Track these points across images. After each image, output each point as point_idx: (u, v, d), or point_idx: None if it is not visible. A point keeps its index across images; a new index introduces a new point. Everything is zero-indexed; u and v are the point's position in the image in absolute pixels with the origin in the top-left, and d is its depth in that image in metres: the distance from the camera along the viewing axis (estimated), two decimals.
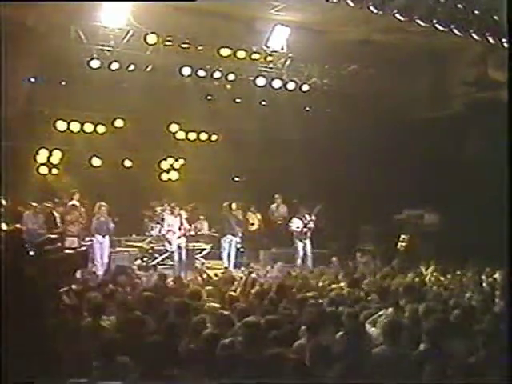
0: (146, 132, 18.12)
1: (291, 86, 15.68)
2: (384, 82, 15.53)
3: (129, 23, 13.34)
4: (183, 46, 14.18)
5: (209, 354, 6.35)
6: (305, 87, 15.90)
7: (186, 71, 14.48)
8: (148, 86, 14.98)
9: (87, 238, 14.49)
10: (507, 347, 6.49)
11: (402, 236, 16.26)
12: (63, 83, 14.83)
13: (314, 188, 17.13)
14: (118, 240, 17.14)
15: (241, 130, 18.66)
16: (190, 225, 18.17)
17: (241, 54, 14.95)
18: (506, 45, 9.86)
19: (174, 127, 18.88)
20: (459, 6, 10.13)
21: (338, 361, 6.32)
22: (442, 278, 11.89)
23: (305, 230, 16.06)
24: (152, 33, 13.60)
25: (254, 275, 12.67)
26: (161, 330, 6.90)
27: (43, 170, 18.39)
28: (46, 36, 12.25)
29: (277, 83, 15.44)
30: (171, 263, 15.99)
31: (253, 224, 19.18)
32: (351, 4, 9.72)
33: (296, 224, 16.14)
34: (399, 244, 16.19)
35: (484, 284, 10.48)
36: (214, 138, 20.24)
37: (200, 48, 14.40)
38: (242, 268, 15.40)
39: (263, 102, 17.17)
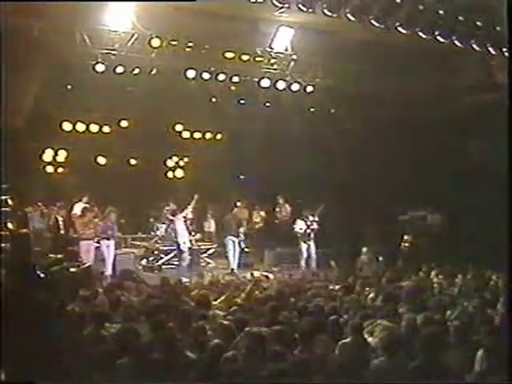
0: (151, 132, 18.33)
1: (295, 87, 15.76)
2: (389, 83, 15.56)
3: (133, 26, 13.45)
4: (187, 48, 14.28)
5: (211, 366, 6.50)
6: (309, 88, 15.97)
7: (191, 74, 14.59)
8: (153, 88, 15.12)
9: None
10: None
11: (405, 237, 16.39)
12: (69, 87, 14.98)
13: (318, 188, 17.30)
14: (124, 238, 17.42)
15: (245, 130, 18.83)
16: (197, 224, 18.49)
17: (245, 56, 15.05)
18: (506, 54, 9.95)
19: (178, 127, 19.09)
20: (460, 17, 10.22)
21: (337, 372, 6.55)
22: (443, 282, 11.98)
23: (308, 231, 16.23)
24: (156, 36, 13.69)
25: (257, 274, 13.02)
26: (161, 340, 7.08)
27: (50, 169, 18.70)
28: (51, 43, 12.36)
29: (281, 84, 15.53)
30: (176, 263, 16.15)
31: (257, 222, 19.39)
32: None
33: (299, 225, 16.32)
34: (402, 244, 16.32)
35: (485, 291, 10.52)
36: (218, 137, 20.49)
37: (204, 50, 14.49)
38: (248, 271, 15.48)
39: (267, 103, 17.28)
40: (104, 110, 17.12)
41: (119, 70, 13.77)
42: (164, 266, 16.44)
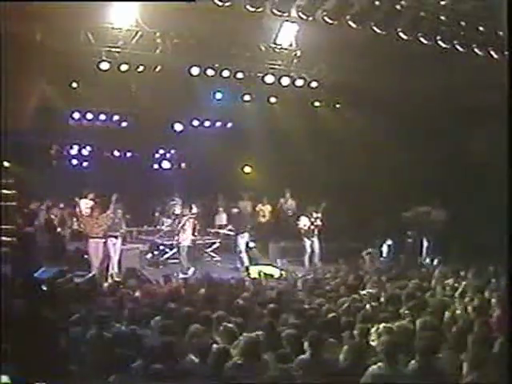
0: (152, 127, 18.46)
1: (300, 82, 15.79)
2: (394, 78, 15.56)
3: (137, 24, 13.51)
4: (191, 45, 14.32)
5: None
6: (314, 83, 16.01)
7: (195, 70, 14.66)
8: (157, 85, 15.21)
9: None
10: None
11: (409, 233, 16.49)
12: (74, 85, 15.09)
13: (322, 184, 17.40)
14: (130, 231, 17.56)
15: (250, 124, 18.85)
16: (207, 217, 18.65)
17: (249, 52, 15.09)
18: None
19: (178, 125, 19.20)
20: (462, 23, 10.25)
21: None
22: (446, 281, 12.05)
23: (312, 227, 16.34)
24: (160, 33, 13.78)
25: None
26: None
27: (59, 164, 18.91)
28: (55, 45, 12.46)
29: (285, 80, 15.56)
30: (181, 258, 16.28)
31: (264, 216, 19.52)
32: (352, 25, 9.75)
33: (303, 222, 16.44)
34: (407, 241, 16.44)
35: (486, 292, 10.60)
36: (223, 129, 20.53)
37: (208, 47, 14.53)
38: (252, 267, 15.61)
39: (272, 99, 17.33)
40: (109, 107, 17.26)
41: (124, 67, 13.85)
42: (169, 261, 16.59)
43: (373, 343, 7.64)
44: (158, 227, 18.28)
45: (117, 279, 12.69)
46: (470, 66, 12.32)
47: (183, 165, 21.37)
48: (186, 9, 12.92)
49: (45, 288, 7.19)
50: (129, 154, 20.95)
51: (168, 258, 16.67)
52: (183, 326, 7.94)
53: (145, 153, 21.01)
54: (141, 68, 14.27)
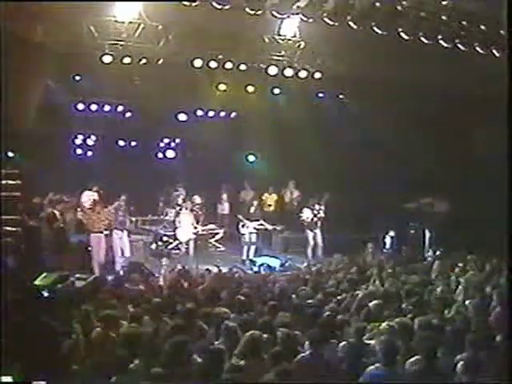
0: (158, 118, 18.53)
1: (303, 74, 15.74)
2: (398, 70, 15.51)
3: (140, 17, 13.51)
4: (194, 37, 14.30)
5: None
6: (317, 74, 15.97)
7: (198, 63, 14.66)
8: (160, 78, 15.24)
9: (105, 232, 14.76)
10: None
11: (412, 224, 16.54)
12: (77, 78, 15.14)
13: (324, 175, 17.43)
14: (134, 221, 17.68)
15: (254, 114, 18.87)
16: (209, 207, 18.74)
17: (252, 44, 15.06)
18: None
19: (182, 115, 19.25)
20: (463, 22, 10.21)
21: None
22: (447, 275, 12.12)
23: (315, 219, 16.40)
24: (162, 26, 13.77)
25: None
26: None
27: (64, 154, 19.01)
28: (58, 39, 12.51)
29: (288, 72, 15.53)
30: (184, 250, 16.41)
31: (270, 205, 19.59)
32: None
33: (306, 214, 16.50)
34: (409, 232, 16.48)
35: (487, 288, 10.65)
36: (227, 119, 20.54)
37: (211, 39, 14.51)
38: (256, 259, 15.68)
39: (276, 90, 17.32)
40: (112, 99, 17.37)
41: (126, 60, 13.87)
42: (173, 251, 16.69)
43: (372, 342, 7.74)
44: (162, 217, 18.38)
45: (121, 273, 12.81)
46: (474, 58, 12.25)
47: (187, 154, 21.38)
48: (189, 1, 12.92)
49: (46, 294, 7.27)
50: (133, 144, 21.03)
51: (172, 249, 16.73)
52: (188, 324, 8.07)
53: (149, 142, 21.08)
54: (143, 61, 14.29)
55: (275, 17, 10.34)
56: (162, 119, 19.07)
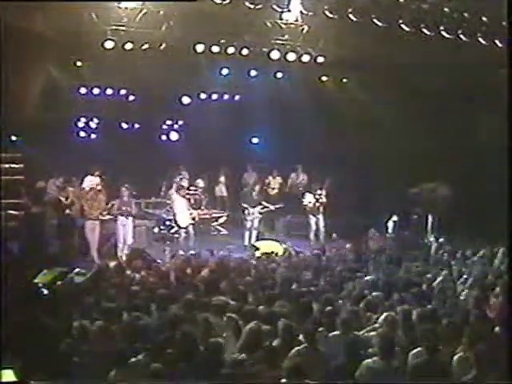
0: (161, 101, 18.51)
1: (306, 58, 15.65)
2: (402, 53, 15.40)
3: (141, 2, 13.44)
4: (195, 22, 14.18)
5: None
6: (320, 59, 15.88)
7: (200, 48, 14.58)
8: (163, 62, 15.21)
9: (107, 217, 14.81)
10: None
11: (415, 209, 16.54)
12: (79, 63, 15.13)
13: (327, 160, 17.42)
14: (137, 203, 17.70)
15: (258, 97, 18.80)
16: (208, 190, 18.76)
17: (255, 28, 14.94)
18: None
19: (185, 98, 19.21)
20: (465, 14, 10.12)
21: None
22: (450, 262, 12.10)
23: (317, 204, 16.39)
24: (164, 11, 13.68)
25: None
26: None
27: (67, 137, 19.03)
28: (60, 25, 12.47)
29: (291, 56, 15.43)
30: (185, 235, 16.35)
31: (274, 188, 19.61)
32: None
33: (308, 199, 16.48)
34: (412, 217, 16.48)
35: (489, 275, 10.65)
36: (230, 102, 20.47)
37: (212, 24, 14.38)
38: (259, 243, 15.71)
39: (279, 74, 17.25)
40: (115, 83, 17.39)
41: (128, 46, 13.81)
42: (176, 235, 16.70)
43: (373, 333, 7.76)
44: (165, 201, 18.39)
45: (122, 261, 12.89)
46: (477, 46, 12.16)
47: (191, 136, 21.36)
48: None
49: (45, 292, 7.34)
50: (136, 126, 21.03)
51: (175, 233, 16.74)
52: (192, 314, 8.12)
53: (152, 125, 21.05)
54: (145, 46, 14.21)
55: (276, 11, 10.24)
56: (166, 102, 19.04)
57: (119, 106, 18.86)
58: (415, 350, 6.99)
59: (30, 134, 16.65)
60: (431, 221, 16.05)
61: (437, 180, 16.51)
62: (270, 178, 19.63)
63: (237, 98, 20.30)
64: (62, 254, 12.96)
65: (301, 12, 14.32)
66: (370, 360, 6.76)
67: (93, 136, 20.42)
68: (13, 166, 15.97)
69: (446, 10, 10.09)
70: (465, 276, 10.77)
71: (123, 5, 13.33)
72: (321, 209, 16.51)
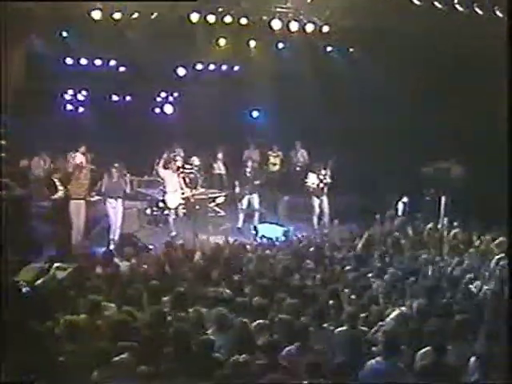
0: (154, 72, 18.40)
1: (310, 27, 15.51)
2: (413, 22, 15.24)
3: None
4: None
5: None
6: (325, 28, 15.73)
7: (194, 17, 14.46)
8: (155, 33, 15.09)
9: (96, 198, 14.69)
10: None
11: (427, 190, 16.45)
12: (64, 34, 15.04)
13: (332, 136, 17.33)
14: (130, 181, 17.65)
15: (258, 68, 18.68)
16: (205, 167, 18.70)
17: None
18: None
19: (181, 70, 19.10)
20: None
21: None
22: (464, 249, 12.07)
23: (321, 185, 16.31)
24: None
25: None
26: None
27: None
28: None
29: (294, 25, 15.29)
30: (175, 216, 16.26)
31: (275, 164, 19.56)
32: None
33: (311, 179, 16.37)
34: (424, 199, 16.40)
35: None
36: (229, 72, 20.33)
37: None
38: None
39: (280, 44, 17.12)
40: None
41: (117, 15, 13.72)
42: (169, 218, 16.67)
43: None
44: (159, 180, 18.32)
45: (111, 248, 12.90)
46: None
47: (187, 110, 21.26)
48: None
49: (26, 291, 7.33)
50: (128, 98, 20.96)
51: (168, 215, 16.72)
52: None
53: (145, 97, 20.96)
54: (135, 15, 14.10)
55: None
56: (159, 74, 18.85)
57: (109, 77, 18.79)
58: (423, 350, 7.00)
59: (12, 108, 16.52)
60: (444, 203, 15.91)
61: (451, 159, 16.39)
62: (271, 153, 19.59)
63: (236, 68, 20.15)
64: (51, 242, 12.89)
65: None
66: (373, 360, 6.75)
67: (81, 109, 20.37)
68: None
69: None
70: (480, 266, 10.67)
71: None
72: (325, 190, 16.37)
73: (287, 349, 7.01)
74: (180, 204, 15.99)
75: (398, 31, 15.48)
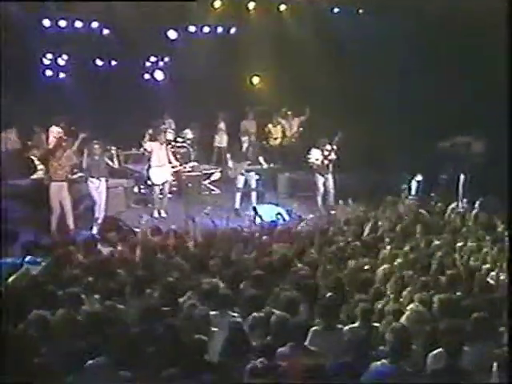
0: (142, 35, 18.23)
1: None
2: None
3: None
4: None
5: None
6: None
7: None
8: None
9: (76, 176, 14.69)
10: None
11: (444, 168, 16.33)
12: None
13: (339, 107, 17.17)
14: (116, 155, 17.55)
15: (258, 31, 18.53)
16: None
17: None
18: None
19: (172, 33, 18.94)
20: None
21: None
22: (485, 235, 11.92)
23: (325, 162, 16.20)
24: None
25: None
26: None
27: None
28: None
29: None
30: (169, 195, 16.38)
31: (276, 138, 19.47)
32: None
33: (315, 156, 16.25)
34: (441, 177, 16.28)
35: None
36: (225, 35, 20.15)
37: None
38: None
39: (282, 6, 16.95)
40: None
41: None
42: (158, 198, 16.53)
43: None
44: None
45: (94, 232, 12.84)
46: None
47: (179, 76, 21.08)
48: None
49: None
50: (113, 63, 20.76)
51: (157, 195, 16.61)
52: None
53: (133, 62, 20.70)
54: None
55: None
56: (148, 37, 18.62)
57: (91, 40, 18.68)
58: (435, 352, 6.95)
59: None
60: (463, 182, 15.82)
61: (472, 134, 16.25)
62: (271, 125, 19.49)
63: (232, 31, 20.00)
64: (28, 226, 12.86)
65: None
66: (378, 363, 6.68)
67: (61, 75, 20.16)
68: None
69: None
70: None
71: None
72: (330, 167, 16.23)
73: (281, 349, 6.94)
74: (167, 180, 15.91)
75: None
